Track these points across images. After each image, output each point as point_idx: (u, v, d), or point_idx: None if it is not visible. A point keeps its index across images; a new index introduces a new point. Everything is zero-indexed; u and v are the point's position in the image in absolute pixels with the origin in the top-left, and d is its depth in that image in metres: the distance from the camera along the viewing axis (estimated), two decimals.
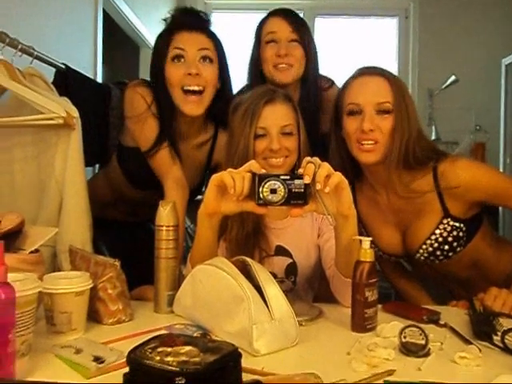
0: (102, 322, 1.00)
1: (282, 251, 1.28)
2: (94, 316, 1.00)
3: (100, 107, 1.62)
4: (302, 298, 1.28)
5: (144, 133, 1.43)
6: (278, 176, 0.93)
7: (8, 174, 1.32)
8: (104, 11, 2.43)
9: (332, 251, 1.14)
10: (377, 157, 1.22)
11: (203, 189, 1.62)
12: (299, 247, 1.29)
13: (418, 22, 3.96)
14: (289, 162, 1.26)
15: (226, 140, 1.36)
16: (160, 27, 1.50)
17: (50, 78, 1.47)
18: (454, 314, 1.10)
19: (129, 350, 0.66)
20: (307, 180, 0.92)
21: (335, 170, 0.96)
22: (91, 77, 2.07)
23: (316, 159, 0.96)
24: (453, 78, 3.63)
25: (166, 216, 1.11)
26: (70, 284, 0.92)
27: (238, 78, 1.68)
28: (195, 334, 0.93)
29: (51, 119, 1.22)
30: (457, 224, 1.25)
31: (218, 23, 4.05)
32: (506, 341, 0.87)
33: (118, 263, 1.02)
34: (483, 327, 0.94)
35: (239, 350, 0.69)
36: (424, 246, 1.28)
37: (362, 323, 0.98)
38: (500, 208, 2.87)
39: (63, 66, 1.55)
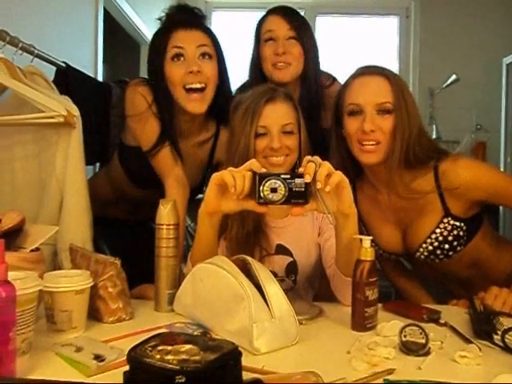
0: (102, 320, 1.00)
1: (282, 250, 1.28)
2: (94, 314, 1.00)
3: (100, 106, 1.62)
4: (302, 296, 1.28)
5: (145, 132, 1.43)
6: (278, 175, 0.93)
7: (9, 173, 1.32)
8: (105, 9, 2.43)
9: (332, 250, 1.14)
10: (378, 157, 1.22)
11: (204, 188, 1.62)
12: (300, 246, 1.29)
13: (419, 21, 3.95)
14: (289, 160, 1.26)
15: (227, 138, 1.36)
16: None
17: (51, 77, 1.47)
18: (455, 313, 1.10)
19: (129, 349, 0.66)
20: (308, 179, 0.92)
21: (336, 169, 0.96)
22: (92, 75, 2.07)
23: (316, 158, 0.96)
24: (454, 77, 3.62)
25: (166, 214, 1.11)
26: (71, 282, 0.92)
27: (239, 77, 1.68)
28: (195, 333, 0.93)
29: (52, 118, 1.22)
30: (457, 223, 1.25)
31: (219, 22, 4.06)
32: (506, 340, 0.87)
33: (118, 262, 1.02)
34: (483, 326, 0.94)
35: (239, 348, 0.68)
36: (424, 245, 1.28)
37: (362, 322, 0.98)
38: (500, 208, 2.86)
39: (64, 65, 1.54)
